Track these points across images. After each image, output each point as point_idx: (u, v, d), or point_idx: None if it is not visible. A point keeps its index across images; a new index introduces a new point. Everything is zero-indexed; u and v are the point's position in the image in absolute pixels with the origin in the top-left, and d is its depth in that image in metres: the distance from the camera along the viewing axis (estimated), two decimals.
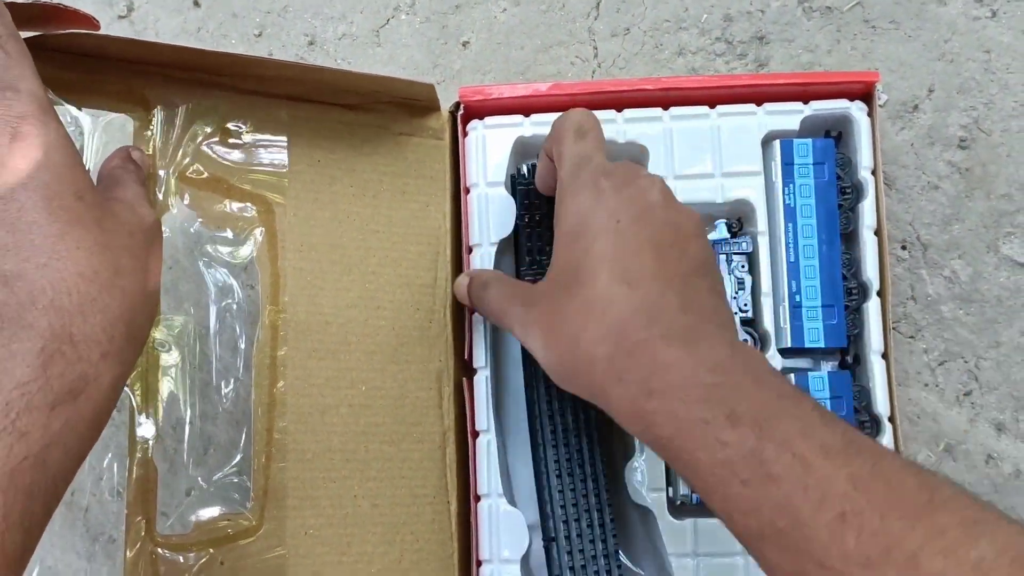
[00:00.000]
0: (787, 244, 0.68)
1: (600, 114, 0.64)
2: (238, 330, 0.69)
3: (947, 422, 0.75)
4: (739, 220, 0.70)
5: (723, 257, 0.69)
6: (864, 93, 0.69)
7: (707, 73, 0.79)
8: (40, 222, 0.43)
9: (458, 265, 0.70)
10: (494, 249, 0.69)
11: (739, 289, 0.69)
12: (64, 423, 0.42)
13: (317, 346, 0.66)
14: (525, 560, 0.67)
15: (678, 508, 0.68)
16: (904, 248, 0.77)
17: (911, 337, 0.76)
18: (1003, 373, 0.75)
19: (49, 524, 0.42)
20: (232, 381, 0.69)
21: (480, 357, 0.68)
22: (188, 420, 0.68)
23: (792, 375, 0.67)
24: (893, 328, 0.71)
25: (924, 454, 0.75)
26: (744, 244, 0.69)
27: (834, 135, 0.70)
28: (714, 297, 0.50)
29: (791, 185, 0.68)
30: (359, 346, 0.67)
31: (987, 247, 0.77)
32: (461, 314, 0.70)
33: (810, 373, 0.67)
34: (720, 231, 0.70)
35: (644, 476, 0.67)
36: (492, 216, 0.69)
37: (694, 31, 0.79)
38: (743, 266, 0.69)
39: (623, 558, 0.68)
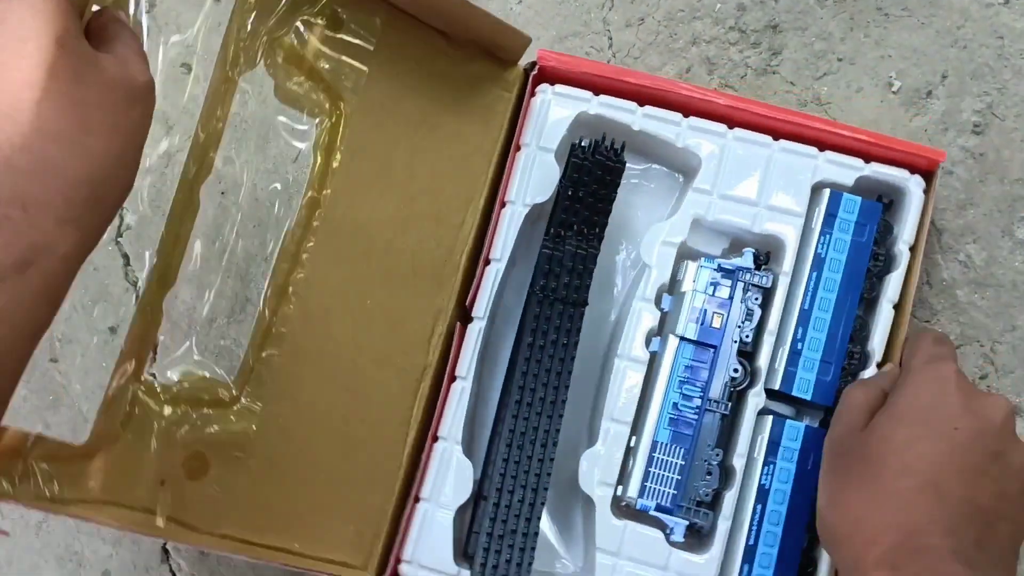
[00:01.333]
0: (806, 290, 0.70)
1: (664, 114, 0.71)
2: (277, 208, 0.72)
3: None
4: (767, 254, 0.72)
5: (740, 285, 0.71)
6: (926, 169, 0.71)
7: (721, 61, 0.81)
8: (8, 63, 0.39)
9: (487, 215, 0.73)
10: (526, 211, 0.72)
11: (746, 320, 0.70)
12: (10, 298, 0.39)
13: (341, 248, 0.70)
14: (461, 511, 0.70)
15: (621, 508, 0.70)
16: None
17: (926, 322, 0.77)
18: (1019, 357, 0.77)
19: None
20: (256, 258, 0.73)
21: (480, 308, 0.71)
22: (202, 280, 0.72)
23: (770, 416, 0.69)
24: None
25: None
26: (765, 279, 0.71)
27: (885, 201, 0.72)
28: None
29: (828, 236, 0.70)
30: (378, 262, 0.70)
31: (1002, 231, 0.78)
32: (476, 261, 0.72)
33: (788, 421, 0.69)
34: (746, 259, 0.71)
35: (599, 469, 0.69)
36: (533, 179, 0.72)
37: (708, 20, 0.81)
38: (757, 299, 0.71)
39: (553, 539, 0.72)
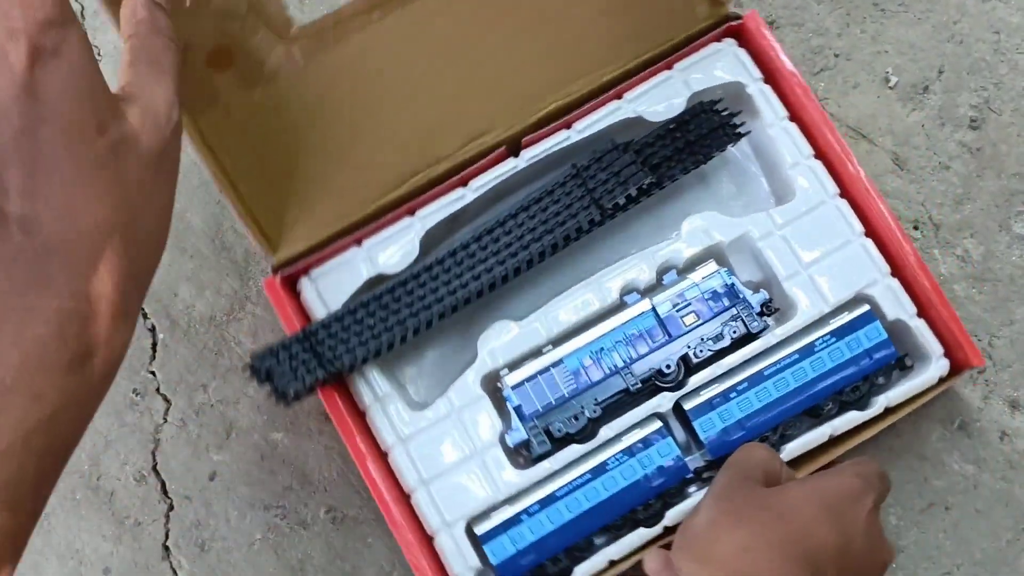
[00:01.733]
0: (778, 363, 0.70)
1: (800, 139, 0.74)
2: None
3: (961, 400, 0.77)
4: (776, 309, 0.72)
5: (734, 312, 0.71)
6: (960, 363, 0.71)
7: None
8: (60, 163, 0.39)
9: (594, 93, 0.74)
10: (629, 115, 0.75)
11: (713, 340, 0.70)
12: (77, 386, 0.40)
13: None
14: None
15: (490, 383, 0.72)
16: (916, 228, 0.79)
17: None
18: (1017, 351, 0.77)
19: (75, 508, 0.44)
20: None
21: (535, 151, 0.73)
22: None
23: (659, 424, 0.69)
24: None
25: (939, 432, 0.76)
26: (757, 325, 0.70)
27: (907, 363, 0.71)
28: None
29: (834, 340, 0.70)
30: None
31: (999, 226, 0.78)
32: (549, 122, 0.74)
33: (671, 439, 0.69)
34: (757, 298, 0.71)
35: (504, 341, 0.71)
36: (653, 97, 0.75)
37: None
38: (735, 332, 0.70)
39: (426, 369, 0.71)
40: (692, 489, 0.70)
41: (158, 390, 0.81)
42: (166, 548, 0.79)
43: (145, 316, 0.82)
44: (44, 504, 0.43)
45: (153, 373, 0.81)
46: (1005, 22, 0.81)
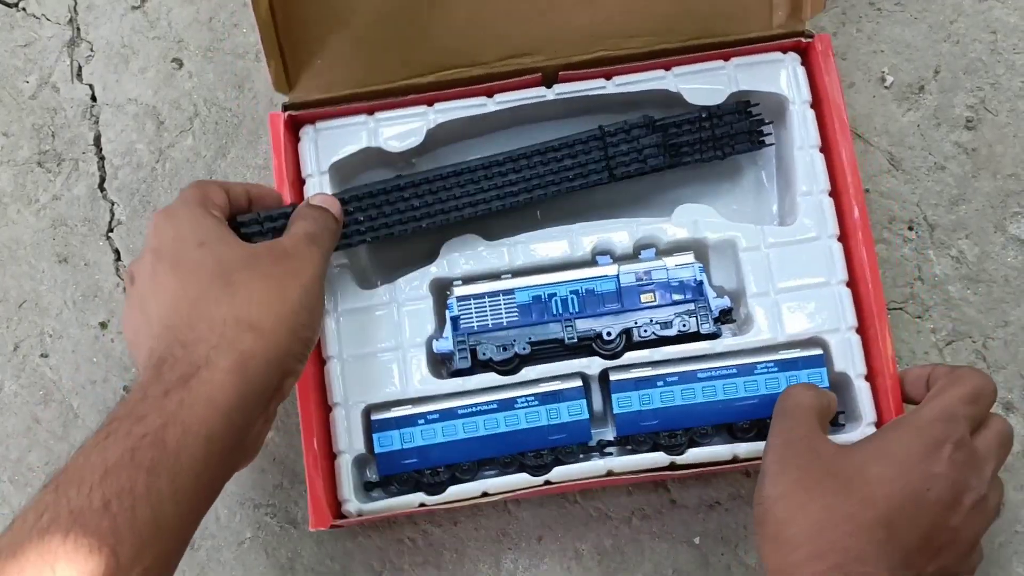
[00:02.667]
0: (716, 371, 0.71)
1: (822, 175, 0.75)
2: None
3: None
4: (733, 321, 0.73)
5: (693, 307, 0.72)
6: None
7: None
8: (166, 278, 0.57)
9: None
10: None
11: (661, 326, 0.71)
12: (179, 403, 0.49)
13: None
14: None
15: (438, 288, 0.72)
16: (911, 228, 0.79)
17: (918, 317, 0.78)
18: (1011, 352, 0.77)
19: None
20: None
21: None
22: None
23: (579, 384, 0.71)
24: (900, 308, 0.77)
25: None
26: (708, 328, 0.71)
27: (839, 411, 0.71)
28: None
29: (774, 370, 0.71)
30: None
31: (994, 227, 0.79)
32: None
33: (584, 401, 0.71)
34: (719, 303, 0.72)
35: (465, 257, 0.73)
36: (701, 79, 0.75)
37: None
38: (685, 326, 0.71)
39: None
40: (592, 457, 0.71)
41: None
42: None
43: None
44: (167, 519, 0.49)
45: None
46: (1002, 22, 0.81)
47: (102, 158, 0.84)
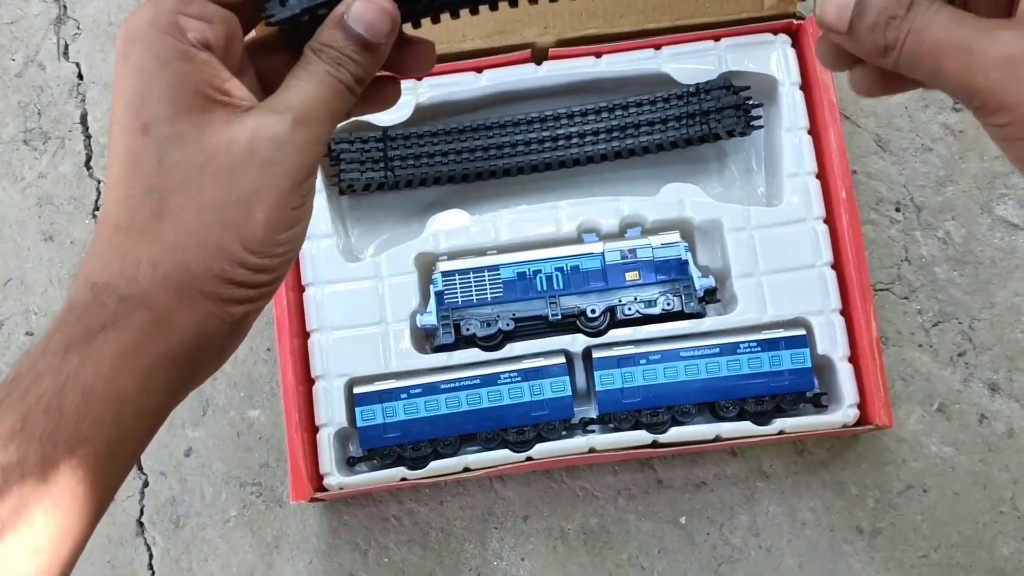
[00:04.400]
0: (696, 348, 0.73)
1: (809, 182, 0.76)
2: None
3: (941, 382, 0.78)
4: (718, 301, 0.75)
5: (677, 286, 0.73)
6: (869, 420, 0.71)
7: None
8: (109, 164, 0.42)
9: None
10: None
11: (645, 303, 0.73)
12: (80, 363, 0.40)
13: None
14: None
15: (424, 262, 0.74)
16: (898, 210, 0.81)
17: (905, 298, 0.79)
18: (996, 333, 0.79)
19: None
20: None
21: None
22: None
23: (562, 360, 0.73)
24: (887, 289, 0.78)
25: (918, 414, 0.78)
26: (693, 307, 0.73)
27: (821, 392, 0.74)
28: None
29: (756, 350, 0.72)
30: None
31: (981, 208, 0.80)
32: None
33: (567, 378, 0.72)
34: (704, 283, 0.74)
35: (452, 227, 0.74)
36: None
37: None
38: (669, 305, 0.73)
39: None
40: (574, 434, 0.72)
41: None
42: (140, 524, 0.81)
43: None
44: (59, 489, 0.41)
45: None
46: None
47: (88, 136, 0.86)
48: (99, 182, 0.85)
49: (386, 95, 0.46)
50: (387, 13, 0.41)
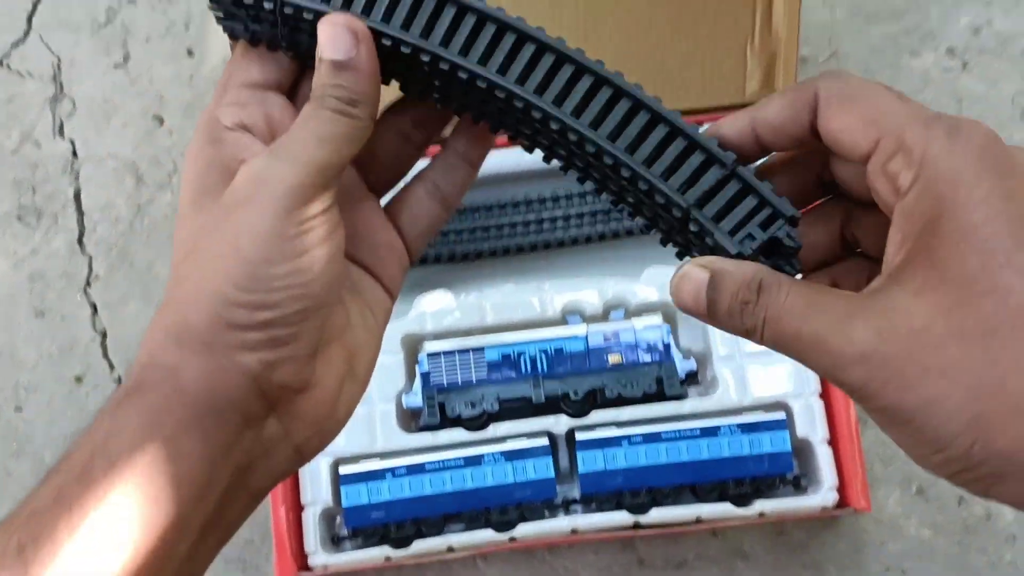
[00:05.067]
0: (677, 431, 0.74)
1: None
2: None
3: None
4: (699, 383, 0.77)
5: (659, 367, 0.75)
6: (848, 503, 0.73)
7: None
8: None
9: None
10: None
11: (627, 385, 0.74)
12: (107, 432, 0.39)
13: None
14: None
15: (409, 343, 0.75)
16: None
17: None
18: None
19: None
20: None
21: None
22: None
23: (546, 442, 0.74)
24: None
25: (897, 496, 0.79)
26: (673, 390, 0.74)
27: (799, 475, 0.75)
28: None
29: (737, 433, 0.74)
30: None
31: None
32: None
33: (549, 459, 0.73)
34: (686, 366, 0.75)
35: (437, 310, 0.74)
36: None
37: None
38: (651, 388, 0.75)
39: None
40: (557, 514, 0.74)
41: None
42: None
43: (111, 367, 0.85)
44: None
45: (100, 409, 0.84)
46: (968, 91, 0.85)
47: (81, 213, 0.87)
48: (91, 258, 0.86)
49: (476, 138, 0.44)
50: (343, 26, 0.39)
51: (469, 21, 0.38)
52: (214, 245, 0.40)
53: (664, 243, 0.40)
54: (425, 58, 0.38)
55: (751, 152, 0.39)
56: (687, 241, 0.38)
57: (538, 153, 0.41)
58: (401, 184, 0.46)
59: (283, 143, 0.40)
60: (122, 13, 0.90)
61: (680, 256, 0.39)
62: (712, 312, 0.37)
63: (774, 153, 0.40)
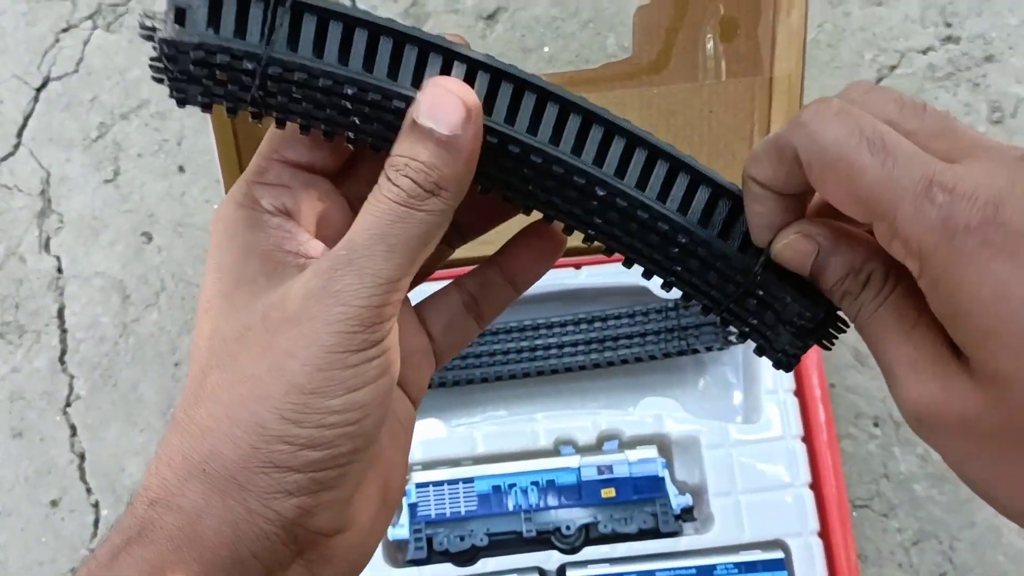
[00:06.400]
0: (673, 569, 0.72)
1: None
2: None
3: None
4: (695, 519, 0.76)
5: (653, 502, 0.74)
6: None
7: None
8: None
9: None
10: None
11: (621, 520, 0.74)
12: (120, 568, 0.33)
13: None
14: None
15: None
16: (876, 425, 0.81)
17: (884, 515, 0.79)
18: (977, 555, 0.78)
19: None
20: None
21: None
22: None
23: None
24: (865, 506, 0.78)
25: None
26: (668, 526, 0.73)
27: None
28: None
29: (734, 572, 0.72)
30: None
31: None
32: None
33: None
34: (681, 501, 0.74)
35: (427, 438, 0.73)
36: None
37: None
38: (645, 523, 0.74)
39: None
40: None
41: None
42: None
43: (89, 491, 0.85)
44: None
45: (93, 552, 0.82)
46: None
47: (64, 331, 0.87)
48: (72, 377, 0.86)
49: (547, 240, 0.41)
50: (457, 94, 0.33)
51: (553, 110, 0.35)
52: (255, 363, 0.34)
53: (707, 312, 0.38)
54: (515, 149, 0.34)
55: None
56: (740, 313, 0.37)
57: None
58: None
59: (346, 252, 0.33)
60: (114, 129, 0.91)
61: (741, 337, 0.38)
62: (817, 277, 0.34)
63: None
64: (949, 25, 0.87)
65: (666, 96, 0.76)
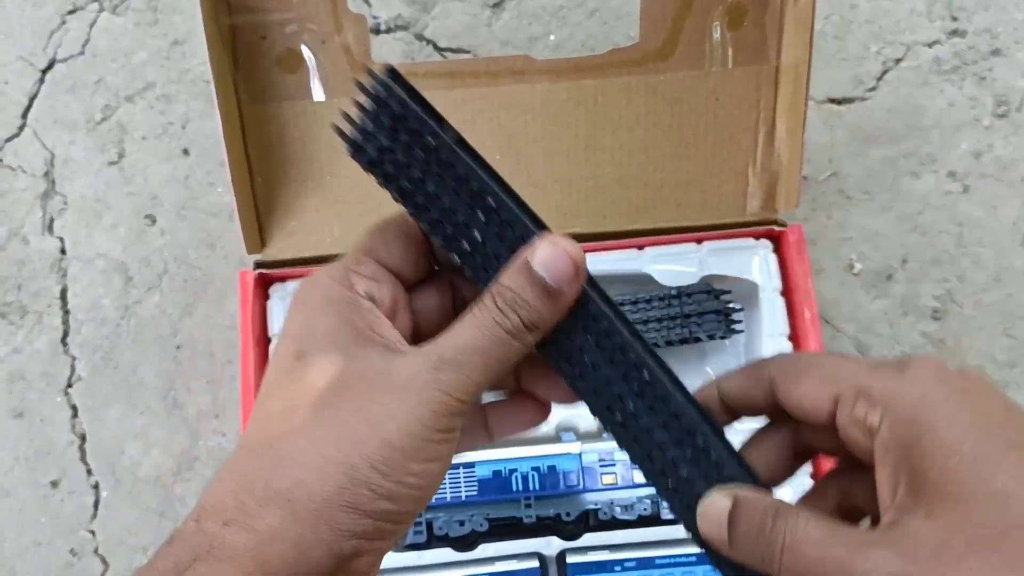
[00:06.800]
0: (672, 556, 0.72)
1: None
2: None
3: None
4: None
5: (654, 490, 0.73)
6: None
7: None
8: (259, 392, 0.42)
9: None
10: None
11: (622, 507, 0.71)
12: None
13: None
14: None
15: None
16: None
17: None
18: None
19: None
20: None
21: None
22: None
23: (537, 564, 0.72)
24: None
25: None
26: (669, 514, 0.73)
27: None
28: None
29: None
30: None
31: None
32: None
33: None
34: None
35: None
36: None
37: None
38: (645, 510, 0.70)
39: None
40: None
41: (96, 551, 0.84)
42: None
43: (89, 472, 0.85)
44: None
45: (92, 532, 0.84)
46: (967, 215, 0.85)
47: (67, 312, 0.87)
48: (74, 359, 0.86)
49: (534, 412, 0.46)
50: (571, 257, 0.40)
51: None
52: (352, 416, 0.38)
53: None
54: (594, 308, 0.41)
55: (723, 417, 0.44)
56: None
57: None
58: None
59: (449, 351, 0.39)
60: (119, 111, 0.91)
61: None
62: (732, 537, 0.39)
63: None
64: (955, 19, 0.88)
65: (672, 83, 0.76)
